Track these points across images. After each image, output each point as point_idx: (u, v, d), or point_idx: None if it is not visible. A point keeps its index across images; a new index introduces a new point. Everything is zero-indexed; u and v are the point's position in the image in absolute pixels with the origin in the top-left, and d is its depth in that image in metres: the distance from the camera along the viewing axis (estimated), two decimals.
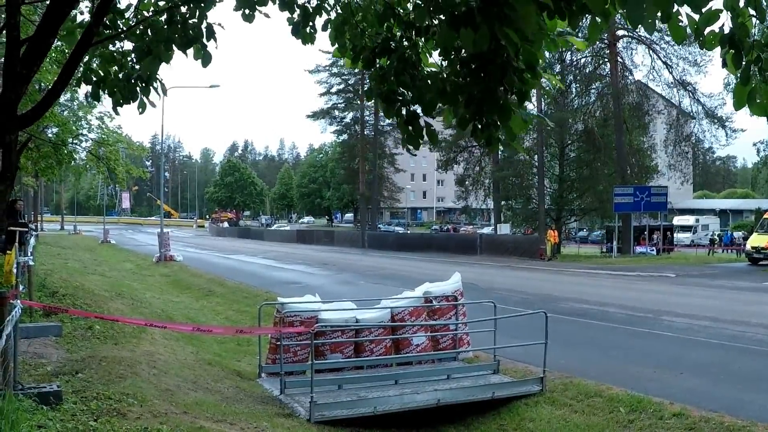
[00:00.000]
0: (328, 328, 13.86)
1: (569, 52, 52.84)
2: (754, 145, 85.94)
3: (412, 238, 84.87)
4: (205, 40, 7.07)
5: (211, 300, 27.44)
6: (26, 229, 16.82)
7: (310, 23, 7.24)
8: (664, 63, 58.37)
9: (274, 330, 13.97)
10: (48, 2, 6.10)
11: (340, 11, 7.20)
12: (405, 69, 6.42)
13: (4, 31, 6.09)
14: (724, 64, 5.24)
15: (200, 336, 16.42)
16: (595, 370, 14.26)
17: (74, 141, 23.81)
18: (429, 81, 6.38)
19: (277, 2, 7.07)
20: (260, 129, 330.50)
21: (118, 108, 7.31)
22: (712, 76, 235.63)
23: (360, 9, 7.14)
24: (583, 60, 59.06)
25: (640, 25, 4.87)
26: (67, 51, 7.77)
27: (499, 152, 65.01)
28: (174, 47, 7.00)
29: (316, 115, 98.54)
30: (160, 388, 10.68)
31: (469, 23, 5.18)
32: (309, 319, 13.63)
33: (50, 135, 23.61)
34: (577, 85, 59.96)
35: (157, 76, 7.33)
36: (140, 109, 7.34)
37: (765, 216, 46.52)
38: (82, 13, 7.36)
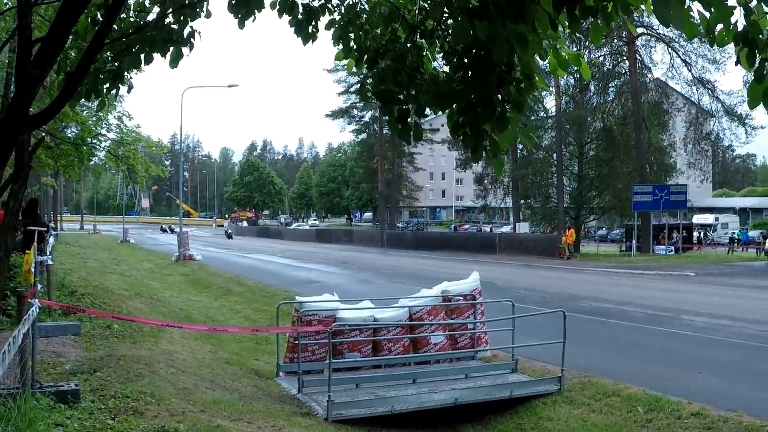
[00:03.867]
0: (346, 327, 13.86)
1: (587, 51, 52.56)
2: None
3: (430, 237, 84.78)
4: (185, 44, 7.03)
5: (230, 299, 27.49)
6: (45, 229, 16.90)
7: (313, 22, 7.19)
8: (683, 61, 58.15)
9: (290, 329, 13.99)
10: (60, 2, 6.12)
11: (344, 12, 7.17)
12: (403, 69, 6.38)
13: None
14: (738, 62, 5.20)
15: (218, 335, 16.48)
16: (613, 369, 14.19)
17: (93, 140, 23.87)
18: (427, 85, 6.34)
19: (276, 8, 7.04)
20: (279, 128, 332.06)
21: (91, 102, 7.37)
22: (732, 74, 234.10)
23: (365, 10, 7.12)
24: (601, 58, 58.78)
25: (670, 23, 4.81)
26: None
27: (518, 150, 64.90)
28: (154, 49, 6.97)
29: (334, 114, 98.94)
30: (177, 386, 10.72)
31: (485, 17, 5.14)
32: (327, 318, 13.62)
33: (70, 134, 23.68)
34: (596, 83, 59.63)
35: (126, 75, 7.40)
36: (99, 107, 7.40)
37: None
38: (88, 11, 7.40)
